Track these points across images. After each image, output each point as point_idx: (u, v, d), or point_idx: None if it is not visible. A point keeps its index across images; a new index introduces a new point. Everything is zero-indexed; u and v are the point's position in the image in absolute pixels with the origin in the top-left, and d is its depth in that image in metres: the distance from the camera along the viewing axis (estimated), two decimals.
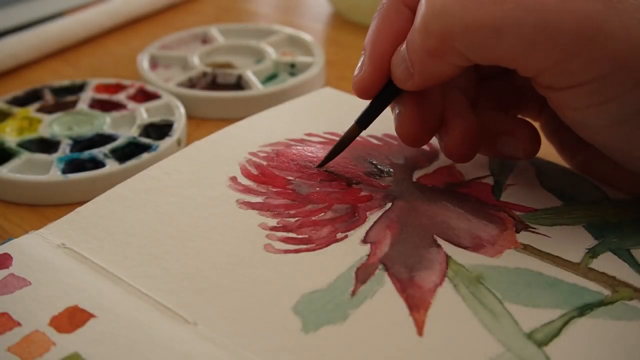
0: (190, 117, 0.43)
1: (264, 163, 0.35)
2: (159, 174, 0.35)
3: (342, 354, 0.25)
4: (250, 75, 0.46)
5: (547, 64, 0.27)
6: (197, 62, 0.48)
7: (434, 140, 0.37)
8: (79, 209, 0.32)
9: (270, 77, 0.48)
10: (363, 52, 0.32)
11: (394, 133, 0.38)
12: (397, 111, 0.32)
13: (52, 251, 0.30)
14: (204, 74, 0.47)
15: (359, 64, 0.32)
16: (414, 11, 0.31)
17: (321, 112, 0.40)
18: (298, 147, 0.36)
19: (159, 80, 0.46)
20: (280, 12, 0.63)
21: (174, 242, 0.30)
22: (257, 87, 0.45)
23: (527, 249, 0.29)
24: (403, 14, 0.31)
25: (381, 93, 0.32)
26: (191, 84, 0.46)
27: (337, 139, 0.34)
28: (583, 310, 0.26)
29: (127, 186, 0.34)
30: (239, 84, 0.47)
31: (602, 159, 0.32)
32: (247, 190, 0.33)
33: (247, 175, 0.34)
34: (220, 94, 0.45)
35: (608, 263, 0.29)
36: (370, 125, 0.39)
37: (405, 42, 0.30)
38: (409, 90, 0.31)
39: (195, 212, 0.32)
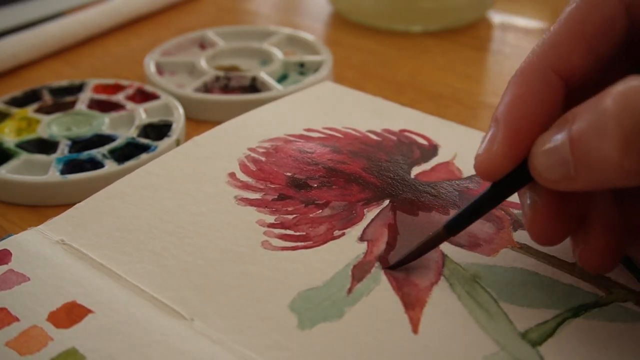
0: (203, 121, 0.43)
1: (263, 159, 0.35)
2: (157, 170, 0.35)
3: (338, 351, 0.25)
4: (265, 77, 0.46)
5: None
6: (206, 66, 0.48)
7: (433, 138, 0.37)
8: (77, 205, 0.32)
9: (282, 78, 0.48)
10: (493, 124, 0.26)
11: (393, 128, 0.38)
12: (529, 202, 0.26)
13: (51, 247, 0.30)
14: (217, 78, 0.47)
15: (488, 138, 0.26)
16: (565, 79, 0.25)
17: (320, 107, 0.40)
18: (297, 143, 0.36)
19: (171, 86, 0.45)
20: (280, 12, 0.63)
21: (172, 238, 0.30)
22: (277, 88, 0.45)
23: (523, 248, 0.30)
24: (552, 83, 0.25)
25: (502, 182, 0.26)
26: (207, 88, 0.46)
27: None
28: (577, 311, 0.27)
29: (126, 182, 0.34)
30: (253, 85, 0.47)
31: None
32: (245, 186, 0.33)
33: (246, 171, 0.34)
34: (242, 97, 0.44)
35: None
36: (369, 121, 0.39)
37: (569, 136, 0.23)
38: (558, 190, 0.24)
39: (194, 208, 0.32)
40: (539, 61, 0.26)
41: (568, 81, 0.26)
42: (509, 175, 0.26)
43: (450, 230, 0.27)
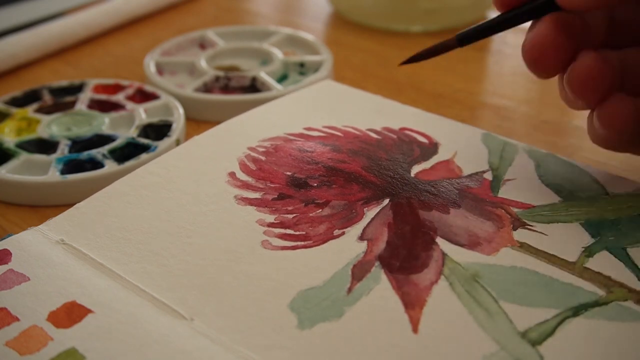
0: (203, 121, 0.43)
1: (263, 158, 0.35)
2: (157, 169, 0.35)
3: (338, 351, 0.25)
4: (265, 77, 0.46)
5: None
6: (206, 66, 0.48)
7: (433, 136, 0.37)
8: (78, 204, 0.32)
9: (282, 78, 0.48)
10: None
11: (393, 127, 0.38)
12: (531, 29, 0.30)
13: (51, 247, 0.30)
14: (217, 78, 0.47)
15: None
16: None
17: (320, 106, 0.40)
18: (297, 142, 0.36)
19: (171, 86, 0.45)
20: (280, 12, 0.63)
21: (171, 238, 0.30)
22: (277, 88, 0.45)
23: (523, 247, 0.30)
24: None
25: (518, 8, 0.30)
26: (206, 88, 0.46)
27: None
28: (577, 310, 0.27)
29: (126, 182, 0.34)
30: (253, 85, 0.47)
31: None
32: (245, 185, 0.33)
33: (246, 170, 0.34)
34: (242, 97, 0.44)
35: (604, 262, 0.29)
36: (369, 119, 0.39)
37: None
38: (573, 8, 0.29)
39: (194, 208, 0.32)
40: None
41: None
42: (525, 4, 0.29)
43: (461, 40, 0.30)
